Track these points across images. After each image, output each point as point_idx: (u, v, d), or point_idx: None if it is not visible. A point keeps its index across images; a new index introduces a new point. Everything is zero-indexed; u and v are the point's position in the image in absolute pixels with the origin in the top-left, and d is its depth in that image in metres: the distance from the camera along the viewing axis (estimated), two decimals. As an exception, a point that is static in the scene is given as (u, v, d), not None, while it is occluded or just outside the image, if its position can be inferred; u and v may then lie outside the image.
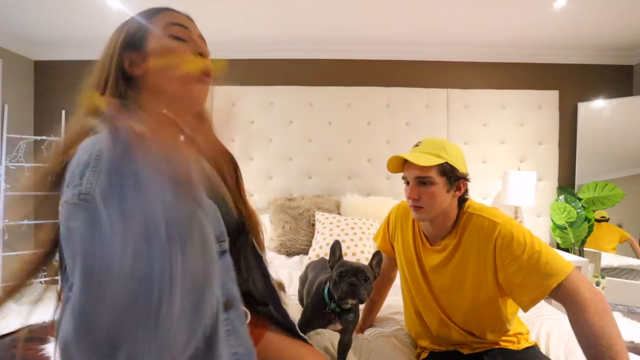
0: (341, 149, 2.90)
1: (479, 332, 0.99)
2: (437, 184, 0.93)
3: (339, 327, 1.04)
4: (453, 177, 0.94)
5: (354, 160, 2.90)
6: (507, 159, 2.90)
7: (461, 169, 0.96)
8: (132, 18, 0.64)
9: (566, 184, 2.95)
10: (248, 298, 0.76)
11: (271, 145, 2.92)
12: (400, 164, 0.99)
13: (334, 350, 1.10)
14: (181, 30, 0.63)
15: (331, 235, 2.31)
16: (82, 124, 0.54)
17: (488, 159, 2.91)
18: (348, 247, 2.20)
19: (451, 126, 2.90)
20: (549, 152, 2.90)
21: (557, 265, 0.82)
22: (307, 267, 1.41)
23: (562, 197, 2.80)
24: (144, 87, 0.61)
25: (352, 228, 2.34)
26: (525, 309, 0.86)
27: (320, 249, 2.24)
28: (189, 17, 0.66)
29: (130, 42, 0.62)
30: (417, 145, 0.99)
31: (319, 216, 2.49)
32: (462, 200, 0.98)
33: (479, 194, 2.92)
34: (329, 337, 1.17)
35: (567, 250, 2.83)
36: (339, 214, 2.61)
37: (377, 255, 0.99)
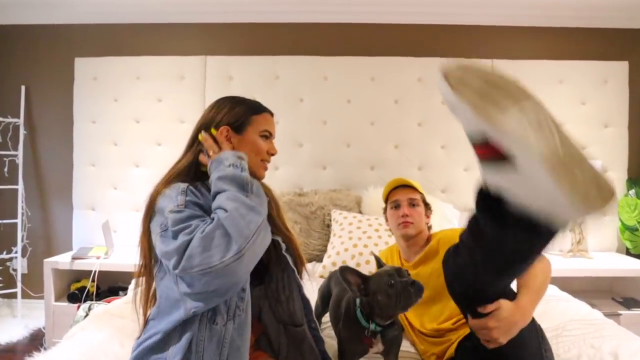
0: (363, 132, 2.82)
1: (439, 323, 1.30)
2: (421, 206, 1.43)
3: (381, 348, 1.10)
4: (427, 206, 1.47)
5: (378, 147, 2.82)
6: (566, 145, 2.74)
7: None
8: (241, 103, 1.09)
9: (637, 176, 2.83)
10: (283, 320, 1.10)
11: (277, 129, 2.69)
12: (386, 194, 1.51)
13: None
14: (268, 134, 1.09)
15: (350, 238, 2.23)
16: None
17: (542, 145, 2.74)
18: (371, 254, 2.12)
19: (497, 105, 2.73)
20: (616, 137, 2.79)
21: None
22: (330, 278, 1.46)
23: (632, 191, 2.67)
24: None
25: (377, 230, 2.26)
26: None
27: (337, 255, 2.19)
28: (272, 115, 1.13)
29: (233, 123, 1.04)
30: (397, 180, 1.50)
31: (336, 215, 2.42)
32: (428, 228, 1.49)
33: (531, 187, 2.74)
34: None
35: (638, 256, 2.65)
36: (360, 212, 2.55)
37: (376, 258, 1.22)
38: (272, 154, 1.09)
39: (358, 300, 1.10)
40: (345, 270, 1.06)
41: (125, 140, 2.81)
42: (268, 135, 1.08)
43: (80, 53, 2.82)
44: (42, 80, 2.86)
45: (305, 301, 1.13)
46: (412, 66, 2.78)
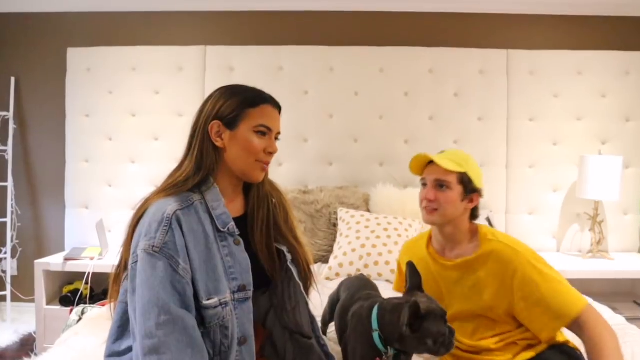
0: (371, 126, 2.81)
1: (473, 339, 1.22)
2: (454, 190, 1.17)
3: None
4: (469, 188, 1.18)
5: (387, 142, 2.81)
6: (585, 140, 2.76)
7: (478, 184, 1.20)
8: (238, 93, 1.01)
9: (661, 172, 2.77)
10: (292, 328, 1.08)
11: (281, 122, 2.71)
12: (421, 167, 1.25)
13: None
14: (265, 130, 1.00)
15: (358, 238, 2.24)
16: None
17: (560, 140, 2.77)
18: (380, 255, 2.16)
19: (512, 97, 2.76)
20: (638, 131, 2.75)
21: (575, 297, 1.07)
22: (340, 286, 1.44)
23: (655, 188, 2.63)
24: (219, 155, 1.00)
25: (385, 229, 2.27)
26: (544, 338, 1.10)
27: (343, 256, 2.19)
28: (279, 109, 1.06)
29: (225, 117, 0.98)
30: (441, 152, 1.24)
31: (343, 214, 2.43)
32: (473, 216, 1.25)
33: (549, 185, 2.80)
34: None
35: (662, 257, 2.61)
36: (368, 210, 2.56)
37: (409, 266, 1.12)
38: (271, 153, 1.01)
39: (375, 323, 1.03)
40: (413, 306, 0.97)
41: (121, 135, 2.80)
42: (265, 132, 0.99)
43: (73, 43, 2.80)
44: (33, 71, 2.86)
45: (312, 318, 1.10)
46: (422, 57, 2.77)
